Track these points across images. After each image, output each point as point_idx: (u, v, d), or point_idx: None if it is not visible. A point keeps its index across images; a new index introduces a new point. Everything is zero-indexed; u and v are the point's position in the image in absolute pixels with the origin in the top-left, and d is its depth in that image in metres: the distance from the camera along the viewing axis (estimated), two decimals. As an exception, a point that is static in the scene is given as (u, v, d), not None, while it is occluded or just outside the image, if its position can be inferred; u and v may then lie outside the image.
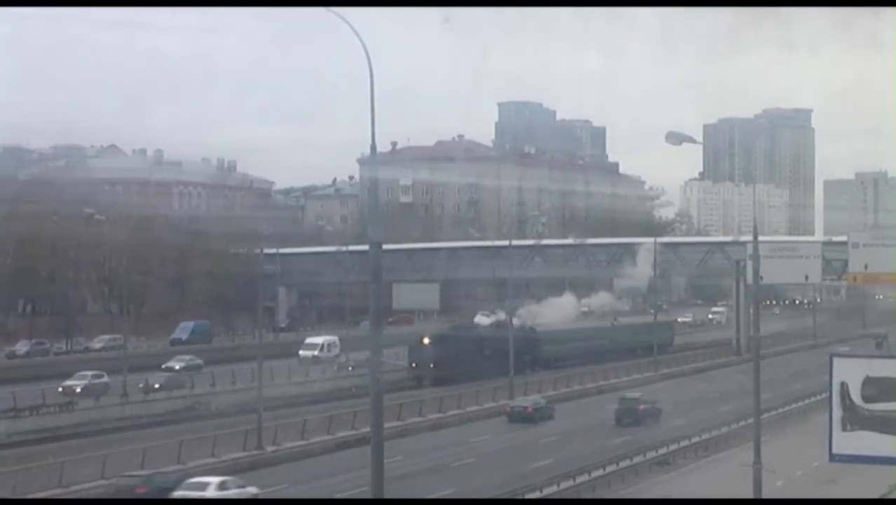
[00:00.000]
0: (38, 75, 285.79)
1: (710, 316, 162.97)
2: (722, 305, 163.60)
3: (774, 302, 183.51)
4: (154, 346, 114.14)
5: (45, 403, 74.74)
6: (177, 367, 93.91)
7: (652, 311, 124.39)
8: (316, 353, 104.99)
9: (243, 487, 48.21)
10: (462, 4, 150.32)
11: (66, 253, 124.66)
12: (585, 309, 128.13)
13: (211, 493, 46.53)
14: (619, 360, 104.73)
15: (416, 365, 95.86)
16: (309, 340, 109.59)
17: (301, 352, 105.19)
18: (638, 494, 51.35)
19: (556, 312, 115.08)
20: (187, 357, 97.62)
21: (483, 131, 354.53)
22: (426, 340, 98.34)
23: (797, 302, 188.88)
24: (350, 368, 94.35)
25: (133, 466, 52.57)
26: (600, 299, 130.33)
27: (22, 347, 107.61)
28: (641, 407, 73.12)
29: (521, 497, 46.90)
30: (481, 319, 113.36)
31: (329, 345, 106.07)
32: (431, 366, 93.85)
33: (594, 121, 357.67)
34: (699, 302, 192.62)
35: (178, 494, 47.04)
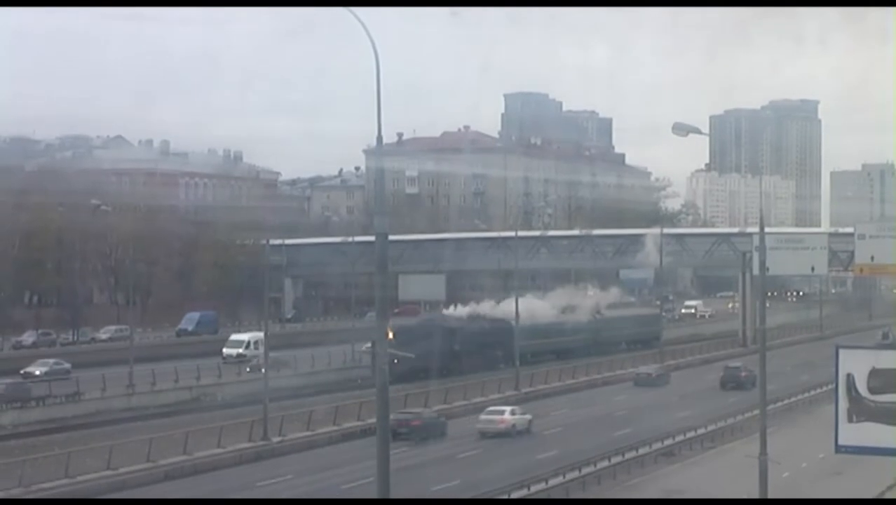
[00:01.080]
0: (44, 67, 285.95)
1: (683, 311, 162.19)
2: (695, 300, 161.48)
3: (789, 294, 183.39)
4: (160, 336, 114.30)
5: (52, 393, 74.96)
6: (37, 372, 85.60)
7: (658, 302, 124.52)
8: (241, 350, 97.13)
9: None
10: (469, 4, 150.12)
11: (72, 244, 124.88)
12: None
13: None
14: (602, 354, 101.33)
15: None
16: (233, 337, 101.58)
17: (224, 350, 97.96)
18: (643, 485, 51.32)
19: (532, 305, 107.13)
20: (51, 361, 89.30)
21: (489, 122, 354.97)
22: (391, 334, 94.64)
23: (798, 294, 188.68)
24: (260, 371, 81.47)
25: (139, 457, 52.71)
26: (586, 299, 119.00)
27: (28, 337, 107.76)
28: (744, 374, 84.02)
29: (527, 489, 46.86)
30: (452, 312, 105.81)
31: (256, 342, 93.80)
32: (395, 362, 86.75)
33: (600, 112, 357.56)
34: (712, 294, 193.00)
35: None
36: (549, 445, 60.17)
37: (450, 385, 78.05)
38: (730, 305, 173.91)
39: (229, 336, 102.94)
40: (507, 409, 66.92)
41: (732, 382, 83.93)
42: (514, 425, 64.47)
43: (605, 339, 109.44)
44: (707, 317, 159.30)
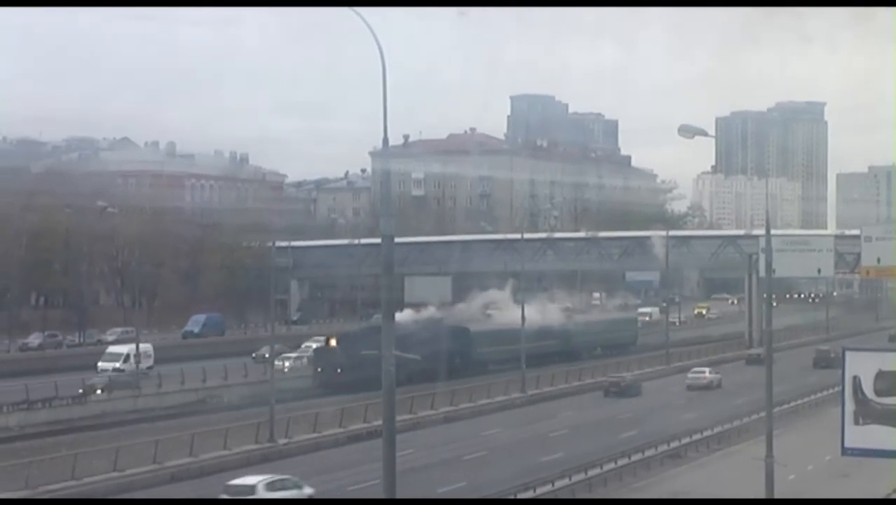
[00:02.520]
0: (51, 67, 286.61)
1: (696, 313, 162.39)
2: (650, 307, 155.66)
3: (789, 295, 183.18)
4: (166, 338, 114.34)
5: (58, 395, 74.99)
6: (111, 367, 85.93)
7: (665, 303, 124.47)
8: (118, 364, 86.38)
9: None
10: (476, 4, 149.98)
11: (78, 245, 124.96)
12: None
13: None
14: (572, 361, 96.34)
15: (322, 369, 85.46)
16: (110, 350, 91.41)
17: (100, 363, 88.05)
18: (649, 487, 51.30)
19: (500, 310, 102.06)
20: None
21: (495, 124, 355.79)
22: (333, 341, 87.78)
23: (801, 296, 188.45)
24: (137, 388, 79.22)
25: (146, 459, 52.75)
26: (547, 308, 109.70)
27: (35, 339, 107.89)
28: (833, 355, 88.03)
29: (532, 491, 46.86)
30: (405, 317, 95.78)
31: (137, 354, 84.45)
32: (338, 371, 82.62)
33: (607, 114, 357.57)
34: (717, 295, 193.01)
35: None
36: (555, 447, 60.16)
37: (456, 387, 77.89)
38: (730, 302, 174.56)
39: (106, 349, 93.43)
40: None
41: (824, 363, 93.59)
42: None
43: (576, 344, 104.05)
44: (715, 317, 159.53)
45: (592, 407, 77.85)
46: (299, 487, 47.34)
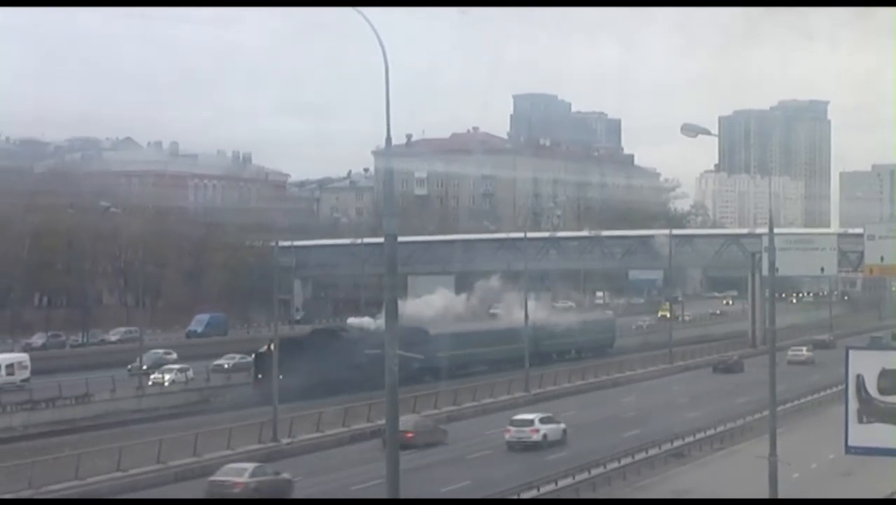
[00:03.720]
0: (54, 68, 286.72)
1: (711, 313, 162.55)
2: (648, 315, 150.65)
3: (786, 294, 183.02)
4: (170, 338, 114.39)
5: (62, 395, 75.06)
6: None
7: (668, 303, 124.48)
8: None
9: None
10: (478, 4, 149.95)
11: (81, 245, 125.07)
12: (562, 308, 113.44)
13: None
14: (542, 365, 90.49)
15: (263, 377, 77.08)
16: None
17: None
18: (653, 486, 51.29)
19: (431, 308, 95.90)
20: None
21: (498, 124, 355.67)
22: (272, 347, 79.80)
23: (798, 294, 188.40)
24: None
25: (149, 459, 52.73)
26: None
27: (38, 339, 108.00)
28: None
29: (536, 490, 46.83)
30: (356, 322, 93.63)
31: (13, 365, 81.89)
32: (280, 378, 73.62)
33: (609, 113, 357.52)
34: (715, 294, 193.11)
35: None
36: (559, 446, 60.12)
37: (459, 387, 77.90)
38: (725, 302, 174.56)
39: None
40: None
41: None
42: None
43: (548, 347, 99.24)
44: (719, 312, 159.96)
45: (597, 405, 77.80)
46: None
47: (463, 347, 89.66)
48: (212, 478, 48.65)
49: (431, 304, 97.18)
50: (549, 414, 63.30)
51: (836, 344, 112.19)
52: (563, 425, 62.04)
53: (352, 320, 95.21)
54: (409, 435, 56.48)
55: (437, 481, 49.78)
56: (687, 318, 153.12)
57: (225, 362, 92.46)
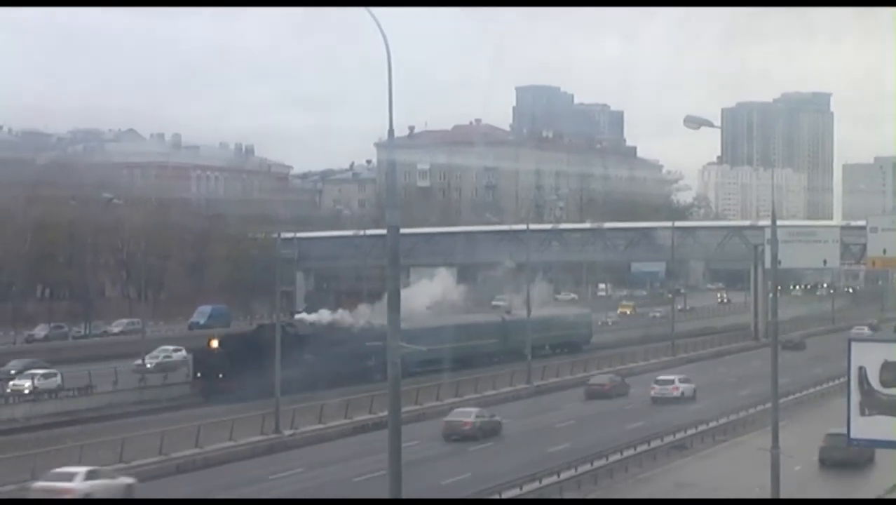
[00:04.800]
0: (55, 60, 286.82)
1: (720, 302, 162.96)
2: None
3: (791, 286, 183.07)
4: (172, 330, 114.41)
5: (64, 386, 75.08)
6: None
7: (670, 295, 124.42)
8: None
9: None
10: (483, 4, 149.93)
11: (84, 237, 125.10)
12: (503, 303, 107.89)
13: None
14: (513, 361, 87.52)
15: (202, 375, 76.62)
16: None
17: None
18: (655, 478, 51.31)
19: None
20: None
21: (501, 116, 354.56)
22: (214, 343, 79.28)
23: (796, 286, 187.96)
24: None
25: (151, 450, 52.76)
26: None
27: (41, 331, 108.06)
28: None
29: (538, 482, 46.77)
30: (304, 317, 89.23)
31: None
32: (220, 376, 75.25)
33: (612, 105, 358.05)
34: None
35: None
36: (562, 438, 60.16)
37: (460, 378, 77.85)
38: (719, 298, 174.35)
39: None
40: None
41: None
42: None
43: (517, 343, 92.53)
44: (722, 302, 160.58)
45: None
46: None
47: (425, 344, 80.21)
48: (446, 419, 61.23)
49: (427, 291, 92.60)
50: (685, 375, 77.48)
51: (805, 345, 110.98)
52: (694, 385, 75.36)
53: (300, 315, 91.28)
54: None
55: (438, 473, 49.72)
56: (688, 307, 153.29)
57: (149, 362, 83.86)
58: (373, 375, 76.64)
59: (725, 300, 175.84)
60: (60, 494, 43.67)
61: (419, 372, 77.87)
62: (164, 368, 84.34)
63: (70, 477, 44.89)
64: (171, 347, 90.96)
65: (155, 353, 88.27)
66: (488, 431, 60.83)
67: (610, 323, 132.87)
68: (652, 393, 74.85)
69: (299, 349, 76.36)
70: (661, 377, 77.76)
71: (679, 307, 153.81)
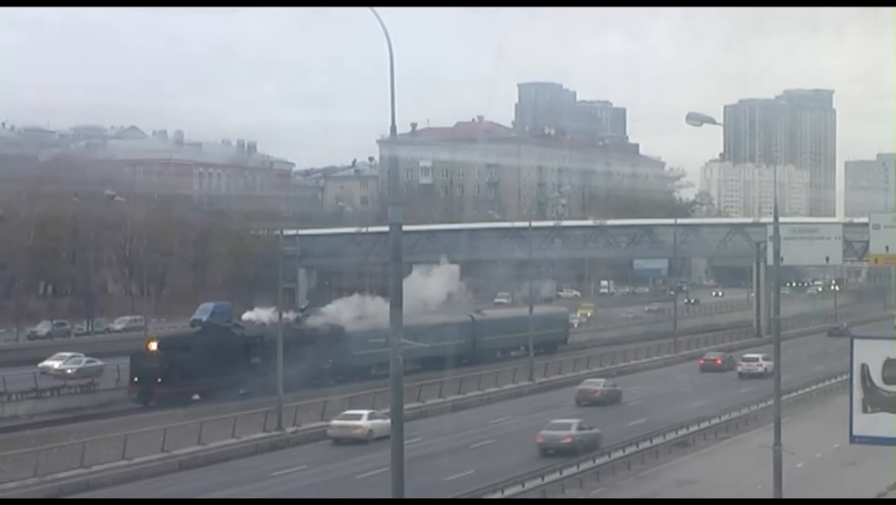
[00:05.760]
0: (58, 57, 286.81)
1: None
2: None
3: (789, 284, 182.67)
4: (174, 327, 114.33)
5: (67, 383, 75.10)
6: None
7: (672, 292, 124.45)
8: None
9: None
10: (486, 4, 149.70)
11: (86, 234, 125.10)
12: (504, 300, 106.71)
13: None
14: (483, 363, 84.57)
15: (139, 379, 71.75)
16: None
17: None
18: (657, 474, 51.28)
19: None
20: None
21: (503, 112, 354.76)
22: (153, 345, 74.91)
23: (792, 284, 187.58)
24: None
25: (154, 447, 52.79)
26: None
27: (43, 327, 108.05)
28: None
29: (541, 479, 46.78)
30: (253, 316, 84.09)
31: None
32: (158, 381, 70.83)
33: (615, 102, 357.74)
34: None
35: None
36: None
37: (464, 375, 77.82)
38: (713, 294, 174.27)
39: None
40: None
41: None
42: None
43: (487, 344, 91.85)
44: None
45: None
46: None
47: (384, 346, 79.27)
48: (579, 387, 73.04)
49: (418, 286, 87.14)
50: (767, 354, 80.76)
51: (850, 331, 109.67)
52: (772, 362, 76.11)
53: (248, 315, 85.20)
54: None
55: (440, 470, 49.69)
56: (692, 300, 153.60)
57: (69, 367, 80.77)
58: (326, 380, 74.93)
59: (720, 295, 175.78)
60: (352, 431, 58.58)
61: (382, 375, 70.29)
62: (86, 373, 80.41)
63: (358, 417, 59.37)
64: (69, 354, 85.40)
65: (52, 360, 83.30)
66: (613, 398, 72.59)
67: (584, 322, 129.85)
68: (739, 369, 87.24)
69: (245, 352, 74.57)
70: (747, 355, 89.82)
71: (685, 300, 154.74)
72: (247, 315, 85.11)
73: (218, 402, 66.79)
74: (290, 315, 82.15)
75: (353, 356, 78.65)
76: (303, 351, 73.19)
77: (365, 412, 60.18)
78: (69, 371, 79.61)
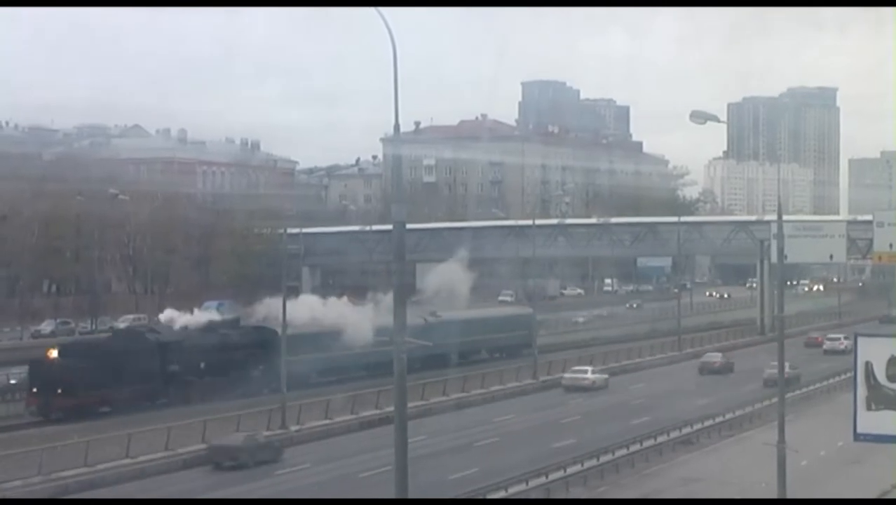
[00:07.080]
0: (61, 56, 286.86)
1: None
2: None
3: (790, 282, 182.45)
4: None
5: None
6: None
7: (676, 290, 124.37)
8: None
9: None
10: (489, 4, 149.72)
11: (90, 232, 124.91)
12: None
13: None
14: (439, 368, 74.45)
15: (38, 390, 65.10)
16: None
17: None
18: (661, 473, 51.28)
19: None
20: None
21: (507, 111, 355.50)
22: (53, 353, 69.02)
23: (793, 283, 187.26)
24: None
25: (158, 446, 52.77)
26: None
27: (47, 326, 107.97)
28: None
29: (545, 477, 46.73)
30: (173, 315, 76.43)
31: None
32: (59, 392, 64.48)
33: (618, 100, 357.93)
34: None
35: None
36: (567, 433, 60.16)
37: (468, 373, 77.73)
38: (707, 294, 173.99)
39: None
40: None
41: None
42: None
43: (443, 349, 77.37)
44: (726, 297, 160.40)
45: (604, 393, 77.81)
46: None
47: (320, 351, 74.00)
48: (702, 359, 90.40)
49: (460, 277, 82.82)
50: (847, 334, 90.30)
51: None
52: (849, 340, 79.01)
53: (167, 314, 77.45)
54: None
55: (444, 469, 49.70)
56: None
57: None
58: (259, 389, 68.53)
59: (715, 295, 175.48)
60: (580, 382, 77.18)
61: (322, 383, 71.84)
62: None
63: (585, 371, 79.27)
64: None
65: None
66: (726, 368, 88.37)
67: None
68: (825, 347, 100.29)
69: (160, 360, 69.23)
70: (831, 335, 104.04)
71: (710, 293, 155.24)
72: (165, 315, 77.68)
73: (127, 414, 62.18)
74: (215, 317, 78.08)
75: (288, 363, 64.03)
76: (216, 360, 69.85)
77: (589, 368, 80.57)
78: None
